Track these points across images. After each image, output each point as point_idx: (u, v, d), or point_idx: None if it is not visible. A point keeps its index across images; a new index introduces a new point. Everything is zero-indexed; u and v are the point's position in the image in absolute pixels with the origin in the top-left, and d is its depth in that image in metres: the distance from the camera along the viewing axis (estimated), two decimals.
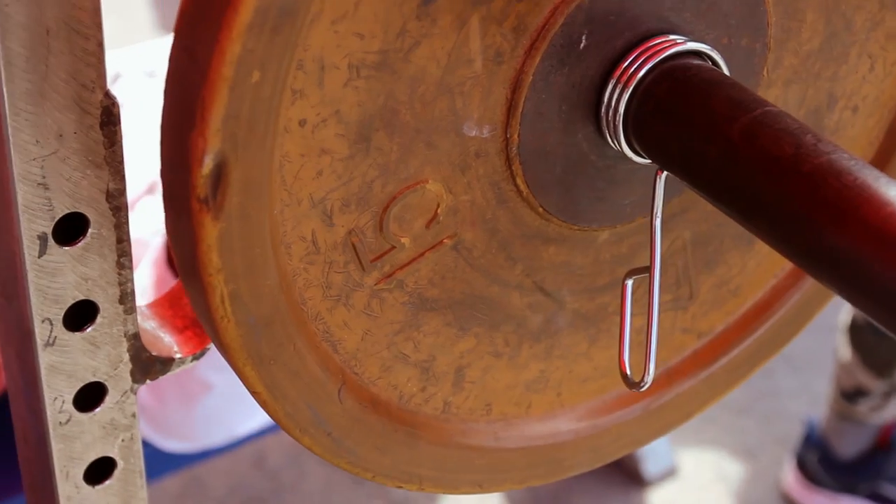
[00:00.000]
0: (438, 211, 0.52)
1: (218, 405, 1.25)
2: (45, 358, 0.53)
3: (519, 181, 0.53)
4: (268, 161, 0.45)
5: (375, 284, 0.52)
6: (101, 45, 0.48)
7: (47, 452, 0.56)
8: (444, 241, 0.53)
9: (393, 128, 0.49)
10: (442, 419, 0.58)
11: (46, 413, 0.54)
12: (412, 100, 0.49)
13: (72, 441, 0.56)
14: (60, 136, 0.48)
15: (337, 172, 0.49)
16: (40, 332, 0.52)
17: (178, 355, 0.57)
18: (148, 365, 0.56)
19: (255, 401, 0.50)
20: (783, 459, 1.97)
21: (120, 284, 0.53)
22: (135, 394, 0.56)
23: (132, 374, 0.56)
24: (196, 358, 0.58)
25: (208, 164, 0.42)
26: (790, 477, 1.92)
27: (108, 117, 0.49)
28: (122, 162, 0.51)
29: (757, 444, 2.00)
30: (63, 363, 0.53)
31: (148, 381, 0.57)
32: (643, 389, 0.54)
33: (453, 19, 0.48)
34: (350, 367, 0.54)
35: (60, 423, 0.55)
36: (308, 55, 0.45)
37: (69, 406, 0.55)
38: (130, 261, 0.53)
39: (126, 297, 0.54)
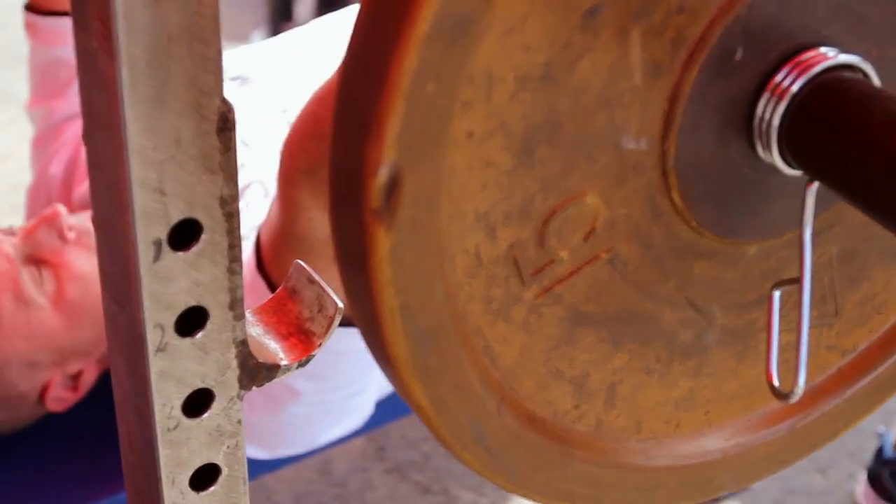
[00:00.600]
0: (596, 224, 0.52)
1: (303, 413, 1.25)
2: (155, 364, 0.53)
3: (674, 194, 0.53)
4: (438, 173, 0.46)
5: (534, 299, 0.52)
6: (219, 51, 0.48)
7: (154, 458, 0.56)
8: (601, 255, 0.53)
9: (555, 140, 0.49)
10: (594, 437, 0.58)
11: (155, 418, 0.54)
12: (574, 112, 0.49)
13: (179, 447, 0.56)
14: (178, 141, 0.48)
15: (501, 185, 0.49)
16: (152, 338, 0.52)
17: (283, 362, 0.57)
18: (254, 371, 0.56)
19: (417, 415, 0.50)
20: (855, 474, 1.94)
21: (230, 290, 0.53)
22: (241, 400, 0.56)
23: (239, 380, 0.56)
24: (301, 365, 0.57)
25: (383, 175, 0.43)
26: (862, 492, 1.89)
27: (225, 123, 0.49)
28: (235, 168, 0.51)
29: (829, 458, 1.98)
30: (173, 369, 0.53)
31: (254, 388, 0.57)
32: (793, 401, 0.53)
33: (615, 32, 0.48)
34: (508, 383, 0.54)
35: (168, 428, 0.55)
36: (477, 67, 0.45)
37: (177, 412, 0.55)
38: (241, 267, 0.53)
39: (236, 304, 0.54)
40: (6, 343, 1.22)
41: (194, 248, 0.51)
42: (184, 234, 0.51)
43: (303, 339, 0.58)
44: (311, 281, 0.59)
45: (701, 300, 0.58)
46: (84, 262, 1.26)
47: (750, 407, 0.62)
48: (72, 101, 1.52)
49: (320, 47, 1.47)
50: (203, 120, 0.48)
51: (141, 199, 0.49)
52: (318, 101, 1.03)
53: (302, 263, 0.59)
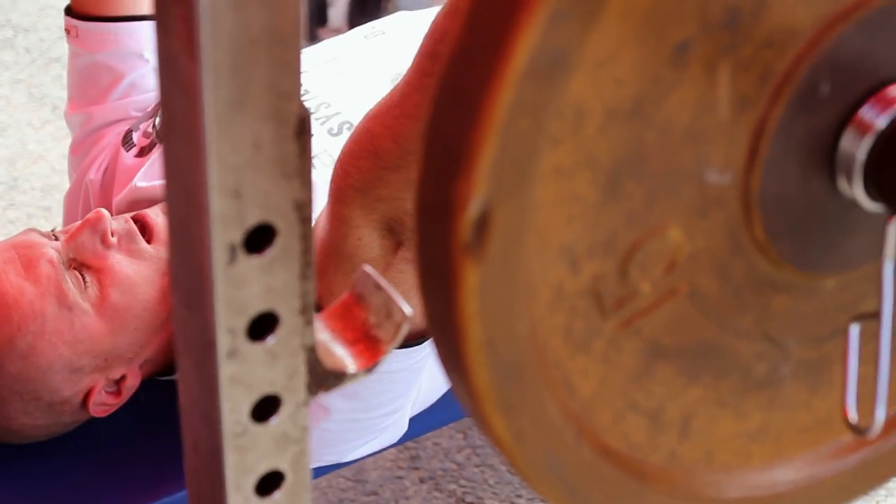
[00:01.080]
0: (677, 258, 0.52)
1: (335, 429, 1.24)
2: (225, 369, 0.52)
3: (756, 228, 0.53)
4: (526, 207, 0.46)
5: (614, 331, 0.52)
6: (299, 54, 0.48)
7: (220, 463, 0.55)
8: (681, 288, 0.53)
9: (640, 174, 0.49)
10: (667, 469, 0.58)
11: (223, 424, 0.54)
12: (661, 146, 0.49)
13: (245, 453, 0.55)
14: (256, 145, 0.48)
15: (586, 219, 0.49)
16: (223, 343, 0.52)
17: (350, 369, 0.57)
18: (322, 378, 0.56)
19: (495, 446, 0.50)
20: None
21: (302, 295, 0.53)
22: (307, 407, 0.56)
23: (308, 386, 0.55)
24: (369, 372, 0.57)
25: (474, 210, 0.43)
26: None
27: (302, 127, 0.49)
28: (310, 173, 0.50)
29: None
30: (243, 374, 0.53)
31: (320, 394, 0.56)
32: (871, 436, 0.53)
33: (704, 66, 0.48)
34: (585, 415, 0.53)
35: (236, 434, 0.54)
36: (568, 101, 0.45)
37: (245, 417, 0.54)
38: (313, 272, 0.53)
39: (307, 309, 0.53)
40: (49, 348, 1.21)
41: (268, 253, 0.51)
42: (258, 239, 0.50)
43: (370, 345, 0.57)
44: (378, 287, 0.58)
45: (777, 333, 0.57)
46: (127, 267, 1.25)
47: (821, 439, 0.62)
48: (112, 107, 1.51)
49: (363, 57, 1.46)
50: (281, 124, 0.48)
51: (218, 203, 0.48)
52: (373, 118, 1.03)
53: (369, 270, 0.59)
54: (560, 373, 0.51)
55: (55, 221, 2.47)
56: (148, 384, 1.30)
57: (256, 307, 0.52)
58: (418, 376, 1.26)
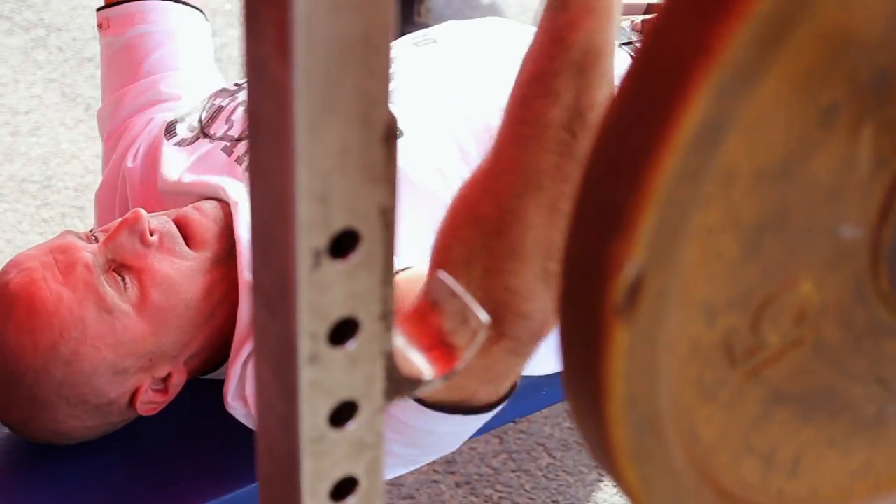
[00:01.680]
0: (807, 309, 0.53)
1: (387, 463, 1.24)
2: (306, 374, 0.52)
3: (882, 279, 0.54)
4: (675, 268, 0.46)
5: (741, 380, 0.53)
6: (388, 60, 0.47)
7: (296, 469, 0.55)
8: (807, 338, 0.54)
9: (781, 231, 0.50)
10: None
11: (301, 429, 0.54)
12: (802, 204, 0.50)
13: (321, 458, 0.55)
14: (345, 150, 0.48)
15: (727, 275, 0.50)
16: (304, 348, 0.52)
17: (427, 375, 0.56)
18: (399, 384, 0.55)
19: (625, 493, 0.51)
20: None
21: (383, 301, 0.53)
22: (383, 413, 0.56)
23: (385, 392, 0.55)
24: (445, 379, 0.57)
25: (629, 274, 0.43)
26: None
27: (389, 133, 0.49)
28: (396, 178, 0.50)
29: None
30: (322, 379, 0.53)
31: (396, 400, 0.56)
32: None
33: (849, 127, 0.49)
34: (706, 460, 0.54)
35: (313, 439, 0.54)
36: (721, 165, 0.46)
37: (323, 423, 0.54)
38: (393, 277, 0.53)
39: (387, 315, 0.53)
40: (93, 352, 1.21)
41: (352, 258, 0.51)
42: (343, 244, 0.50)
43: (445, 352, 0.57)
44: (454, 294, 0.58)
45: (888, 375, 0.58)
46: (167, 266, 1.25)
47: None
48: (142, 85, 1.51)
49: (414, 65, 1.44)
50: (370, 129, 0.48)
51: (305, 208, 0.48)
52: (467, 187, 0.99)
53: (443, 276, 0.59)
54: (688, 421, 0.52)
55: (89, 221, 2.48)
56: (192, 383, 1.29)
57: (338, 312, 0.51)
58: (471, 433, 1.25)
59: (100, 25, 1.56)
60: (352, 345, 0.53)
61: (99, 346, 1.22)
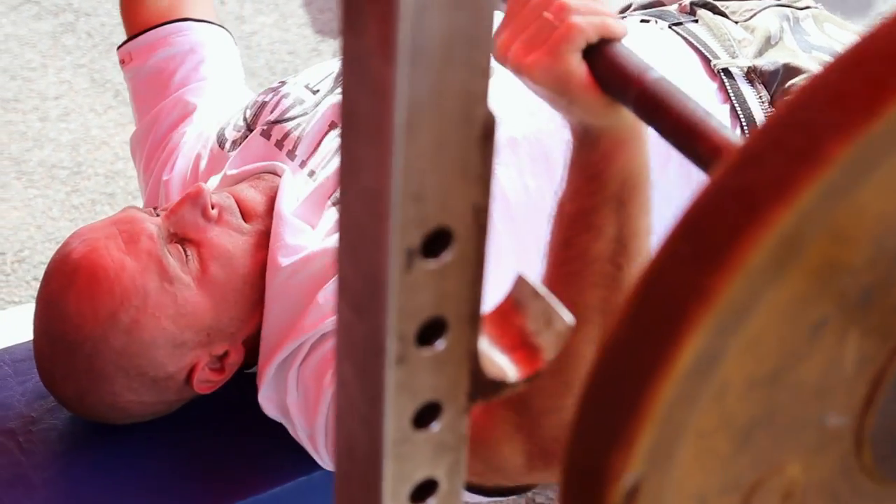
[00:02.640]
0: (794, 489, 0.56)
1: None
2: (393, 375, 0.51)
3: (865, 457, 0.57)
4: (670, 470, 0.49)
5: None
6: (489, 56, 0.46)
7: (377, 470, 0.54)
8: None
9: (769, 426, 0.53)
10: None
11: (384, 430, 0.53)
12: (790, 404, 0.53)
13: (403, 460, 0.54)
14: (443, 147, 0.47)
15: (718, 468, 0.53)
16: (392, 348, 0.51)
17: (511, 377, 0.55)
18: (483, 385, 0.54)
19: None
20: None
21: (471, 302, 0.52)
22: (466, 414, 0.55)
23: (469, 393, 0.54)
24: (528, 381, 0.56)
25: (627, 482, 0.46)
26: None
27: (488, 131, 0.48)
28: (491, 177, 0.49)
29: None
30: (409, 380, 0.52)
31: (479, 401, 0.55)
32: None
33: (836, 337, 0.52)
34: None
35: (396, 441, 0.53)
36: (716, 382, 0.48)
37: (407, 424, 0.53)
38: (483, 278, 0.52)
39: (475, 315, 0.52)
40: (153, 322, 1.21)
41: (444, 258, 0.50)
42: (436, 243, 0.49)
43: (529, 353, 0.56)
44: (537, 294, 0.57)
45: None
46: (227, 241, 1.25)
47: None
48: (171, 102, 1.52)
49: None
50: (469, 126, 0.47)
51: (400, 206, 0.47)
52: None
53: (525, 276, 0.58)
54: None
55: (119, 208, 2.47)
56: (239, 377, 1.29)
57: (428, 313, 0.51)
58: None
59: (122, 62, 1.58)
60: (439, 345, 0.52)
61: (159, 316, 1.21)
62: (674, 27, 1.54)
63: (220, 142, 1.45)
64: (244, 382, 1.29)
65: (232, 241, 1.26)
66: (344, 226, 0.51)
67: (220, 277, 1.24)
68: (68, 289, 1.22)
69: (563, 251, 0.98)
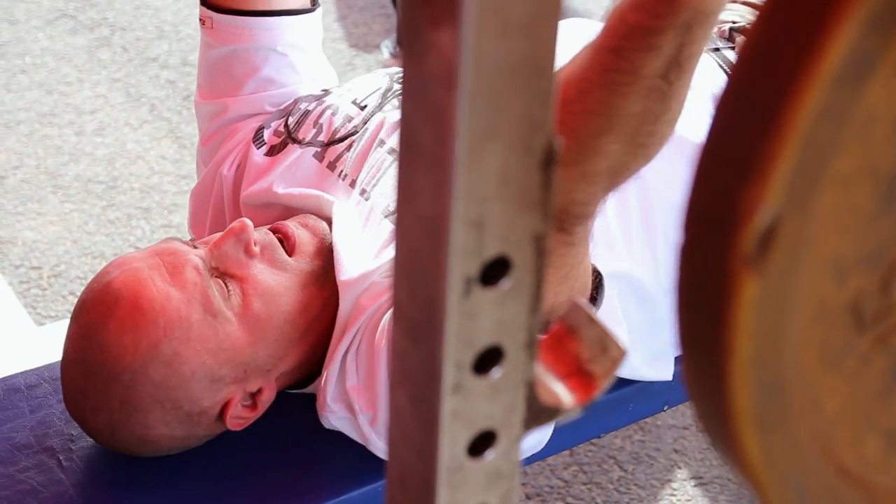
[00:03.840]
0: None
1: None
2: (449, 403, 0.51)
3: None
4: (809, 219, 0.43)
5: (868, 347, 0.50)
6: (552, 84, 0.46)
7: (431, 499, 0.54)
8: None
9: None
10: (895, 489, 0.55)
11: (439, 459, 0.52)
12: None
13: (457, 489, 0.54)
14: (503, 176, 0.46)
15: (860, 230, 0.47)
16: (448, 376, 0.50)
17: (566, 404, 0.55)
18: (538, 412, 0.54)
19: (740, 469, 0.48)
20: None
21: (529, 329, 0.51)
22: (520, 442, 0.54)
23: (525, 421, 0.54)
24: (584, 409, 0.55)
25: (763, 221, 0.40)
26: None
27: (549, 158, 0.47)
28: (552, 205, 0.49)
29: None
30: (464, 409, 0.51)
31: (533, 430, 0.55)
32: None
33: None
34: (828, 434, 0.51)
35: (451, 469, 0.53)
36: (862, 108, 0.43)
37: (461, 453, 0.53)
38: (540, 306, 0.51)
39: (532, 343, 0.52)
40: (194, 355, 1.20)
41: (503, 286, 0.49)
42: (494, 271, 0.49)
43: (583, 380, 0.56)
44: (592, 320, 0.56)
45: None
46: (269, 277, 1.24)
47: None
48: (247, 100, 1.48)
49: None
50: (529, 154, 0.47)
51: (459, 234, 0.47)
52: None
53: (580, 302, 0.57)
54: (811, 390, 0.49)
55: (155, 223, 2.48)
56: (278, 397, 1.28)
57: (485, 341, 0.50)
58: None
59: (202, 21, 1.51)
60: (496, 373, 0.51)
61: (200, 349, 1.20)
62: (710, 52, 1.53)
63: (257, 138, 1.44)
64: (283, 403, 1.29)
65: (275, 278, 1.26)
66: (400, 253, 0.50)
67: (261, 314, 1.24)
68: (108, 318, 1.20)
69: (613, 58, 0.95)
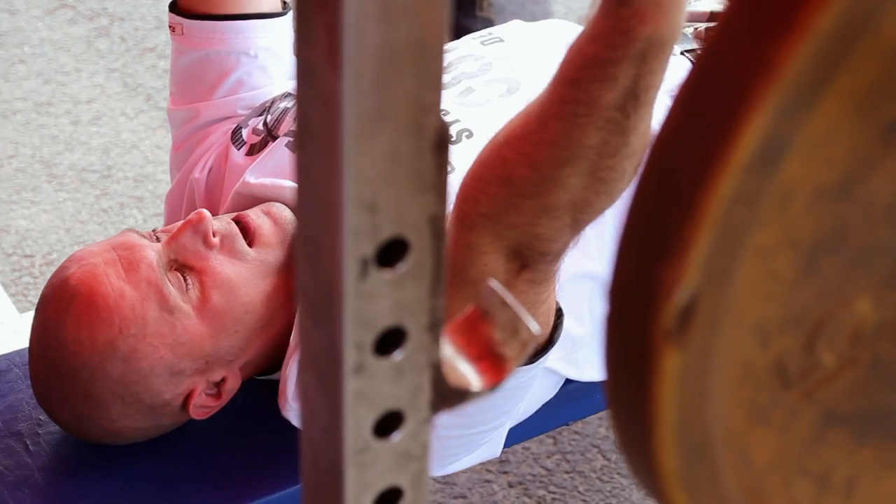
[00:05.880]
0: (863, 328, 0.51)
1: (434, 444, 1.24)
2: (351, 383, 0.51)
3: None
4: (729, 291, 0.45)
5: (794, 402, 0.51)
6: (441, 67, 0.46)
7: (339, 479, 0.54)
8: (863, 357, 0.52)
9: (838, 251, 0.48)
10: None
11: (345, 439, 0.53)
12: (861, 222, 0.48)
13: (365, 469, 0.54)
14: (394, 158, 0.47)
15: (781, 296, 0.48)
16: (349, 357, 0.51)
17: (475, 386, 0.55)
18: (446, 395, 0.54)
19: None
20: None
21: (431, 311, 0.52)
22: (429, 424, 0.55)
23: (431, 403, 0.54)
24: (493, 390, 0.56)
25: (681, 298, 0.42)
26: None
27: (441, 141, 0.48)
28: (447, 187, 0.49)
29: None
30: (367, 390, 0.52)
31: (442, 411, 0.55)
32: None
33: None
34: (758, 484, 0.52)
35: (357, 450, 0.53)
36: (779, 185, 0.44)
37: (367, 433, 0.53)
38: (443, 288, 0.51)
39: (436, 325, 0.52)
40: (151, 351, 1.21)
41: (400, 268, 0.49)
42: (391, 253, 0.49)
43: (495, 362, 0.56)
44: (505, 304, 0.57)
45: None
46: (228, 269, 1.24)
47: None
48: (218, 104, 1.49)
49: (481, 63, 1.43)
50: (420, 137, 0.47)
51: (352, 216, 0.47)
52: (504, 144, 0.99)
53: (495, 285, 0.57)
54: (739, 445, 0.51)
55: (147, 212, 2.49)
56: (246, 384, 1.29)
57: (385, 322, 0.51)
58: (525, 393, 1.24)
59: (172, 28, 1.52)
60: (398, 355, 0.52)
61: (157, 345, 1.21)
62: (686, 53, 1.53)
63: (235, 139, 1.44)
64: (251, 390, 1.30)
65: (234, 269, 1.26)
66: (301, 236, 0.51)
67: (220, 306, 1.24)
68: (66, 315, 1.21)
69: (571, 90, 0.96)
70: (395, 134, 0.46)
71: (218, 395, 1.27)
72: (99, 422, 1.23)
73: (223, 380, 1.26)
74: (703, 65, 0.42)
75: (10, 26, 3.10)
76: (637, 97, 0.95)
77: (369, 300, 0.49)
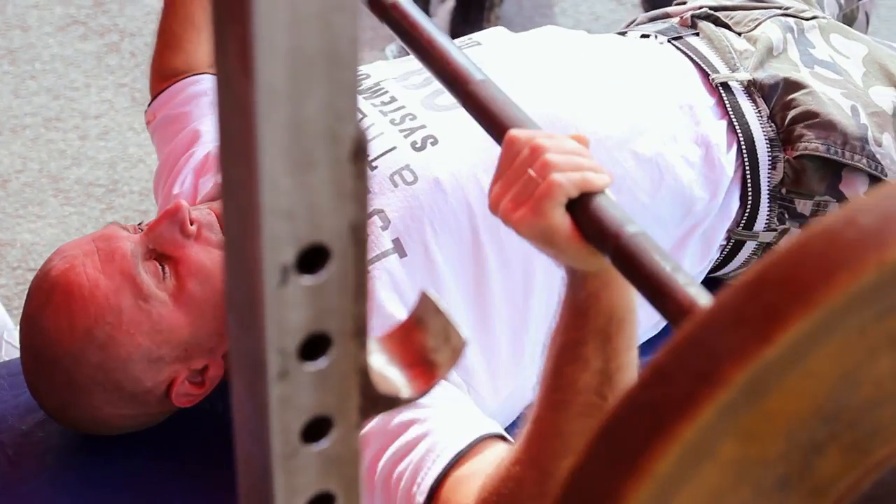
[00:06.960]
0: None
1: None
2: (275, 389, 0.52)
3: None
4: None
5: None
6: (356, 75, 0.47)
7: (269, 484, 0.55)
8: None
9: None
10: None
11: (272, 445, 0.53)
12: None
13: (295, 474, 0.55)
14: (310, 166, 0.48)
15: None
16: (273, 363, 0.51)
17: (404, 393, 0.56)
18: (375, 401, 0.55)
19: None
20: None
21: (355, 318, 0.52)
22: (359, 429, 0.55)
23: (360, 409, 0.55)
24: (422, 395, 0.56)
25: None
26: None
27: (359, 149, 0.48)
28: (367, 195, 0.50)
29: None
30: (293, 395, 0.52)
31: (373, 417, 0.56)
32: None
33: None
34: None
35: (285, 455, 0.54)
36: None
37: (295, 439, 0.54)
38: (366, 295, 0.52)
39: (361, 332, 0.53)
40: (128, 339, 1.23)
41: (322, 275, 0.50)
42: (311, 260, 0.50)
43: (426, 369, 0.57)
44: (438, 311, 0.58)
45: None
46: (205, 257, 1.26)
47: None
48: (187, 132, 1.58)
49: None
50: (337, 145, 0.48)
51: (270, 224, 0.48)
52: (517, 454, 1.05)
53: (429, 293, 0.58)
54: None
55: None
56: (226, 388, 1.30)
57: (308, 328, 0.51)
58: None
59: (148, 122, 1.63)
60: (323, 362, 0.52)
61: (134, 332, 1.23)
62: (673, 41, 1.54)
63: None
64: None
65: (211, 257, 1.28)
66: (226, 243, 0.52)
67: (197, 293, 1.26)
68: (46, 306, 1.25)
69: (553, 379, 1.03)
70: (310, 142, 0.47)
71: (202, 384, 1.29)
72: (84, 409, 1.26)
73: (205, 367, 1.28)
74: (568, 486, 0.51)
75: (23, 42, 3.13)
76: (610, 378, 1.01)
77: (291, 306, 0.50)
